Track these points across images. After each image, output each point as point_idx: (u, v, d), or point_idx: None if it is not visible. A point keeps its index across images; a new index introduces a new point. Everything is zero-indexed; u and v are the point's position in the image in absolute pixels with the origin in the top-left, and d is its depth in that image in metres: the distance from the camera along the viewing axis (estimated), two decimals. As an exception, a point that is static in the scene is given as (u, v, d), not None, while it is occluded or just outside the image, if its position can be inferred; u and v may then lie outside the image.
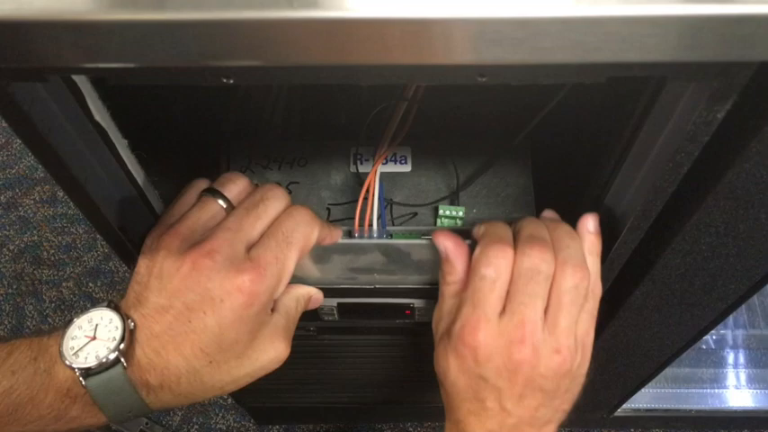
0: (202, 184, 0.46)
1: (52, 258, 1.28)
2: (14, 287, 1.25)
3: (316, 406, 0.93)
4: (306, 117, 0.59)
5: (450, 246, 0.45)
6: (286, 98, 0.58)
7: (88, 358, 0.40)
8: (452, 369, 0.44)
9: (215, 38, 0.26)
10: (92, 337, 0.40)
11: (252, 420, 1.13)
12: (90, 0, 0.26)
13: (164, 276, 0.41)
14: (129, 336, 0.40)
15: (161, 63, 0.28)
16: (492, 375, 0.42)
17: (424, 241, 0.48)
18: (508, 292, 0.42)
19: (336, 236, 0.47)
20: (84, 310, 0.42)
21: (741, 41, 0.26)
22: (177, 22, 0.25)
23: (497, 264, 0.42)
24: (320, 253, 0.49)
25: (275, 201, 0.44)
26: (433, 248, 0.46)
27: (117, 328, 0.40)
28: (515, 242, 0.43)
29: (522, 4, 0.25)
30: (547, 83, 0.31)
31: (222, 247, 0.41)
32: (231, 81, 0.30)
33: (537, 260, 0.42)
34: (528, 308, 0.41)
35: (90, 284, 1.25)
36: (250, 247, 0.42)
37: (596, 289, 0.45)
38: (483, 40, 0.26)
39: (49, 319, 1.21)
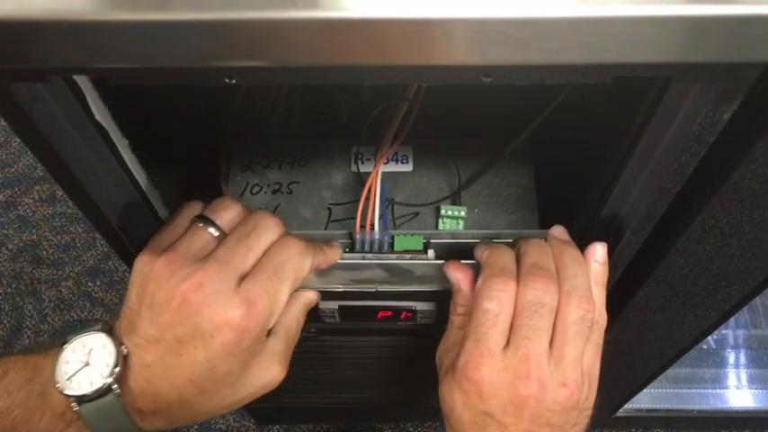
0: (195, 208, 0.45)
1: (51, 257, 1.27)
2: (13, 286, 1.25)
3: (316, 406, 0.92)
4: (306, 117, 0.59)
5: (461, 277, 0.45)
6: (286, 98, 0.58)
7: (82, 385, 0.39)
8: (457, 405, 0.42)
9: (218, 38, 0.26)
10: (85, 362, 0.40)
11: (252, 420, 1.12)
12: (92, 0, 0.25)
13: (155, 308, 0.40)
14: (122, 362, 0.40)
15: (163, 63, 0.27)
16: (497, 411, 0.41)
17: (427, 261, 0.48)
18: (512, 326, 0.41)
19: (335, 256, 0.47)
20: (79, 327, 0.42)
21: (747, 42, 0.26)
22: (180, 22, 0.25)
23: (500, 297, 0.41)
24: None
25: (267, 230, 0.43)
26: (437, 266, 0.46)
27: (111, 354, 0.40)
28: (518, 270, 0.43)
29: (529, 5, 0.25)
30: (552, 83, 0.31)
31: (212, 280, 0.40)
32: (234, 81, 0.30)
33: (540, 292, 0.41)
34: (533, 342, 0.41)
35: (89, 284, 1.24)
36: (242, 278, 0.41)
37: (601, 319, 0.44)
38: (489, 40, 0.26)
39: (48, 319, 1.21)
